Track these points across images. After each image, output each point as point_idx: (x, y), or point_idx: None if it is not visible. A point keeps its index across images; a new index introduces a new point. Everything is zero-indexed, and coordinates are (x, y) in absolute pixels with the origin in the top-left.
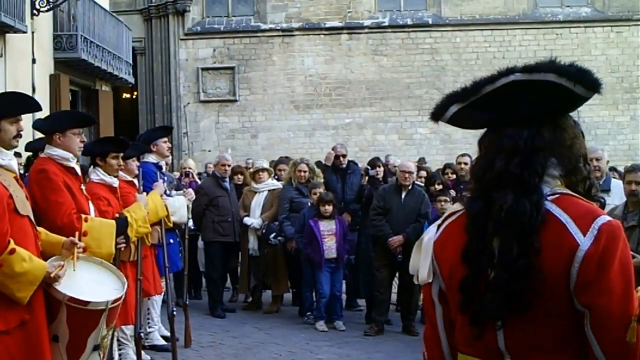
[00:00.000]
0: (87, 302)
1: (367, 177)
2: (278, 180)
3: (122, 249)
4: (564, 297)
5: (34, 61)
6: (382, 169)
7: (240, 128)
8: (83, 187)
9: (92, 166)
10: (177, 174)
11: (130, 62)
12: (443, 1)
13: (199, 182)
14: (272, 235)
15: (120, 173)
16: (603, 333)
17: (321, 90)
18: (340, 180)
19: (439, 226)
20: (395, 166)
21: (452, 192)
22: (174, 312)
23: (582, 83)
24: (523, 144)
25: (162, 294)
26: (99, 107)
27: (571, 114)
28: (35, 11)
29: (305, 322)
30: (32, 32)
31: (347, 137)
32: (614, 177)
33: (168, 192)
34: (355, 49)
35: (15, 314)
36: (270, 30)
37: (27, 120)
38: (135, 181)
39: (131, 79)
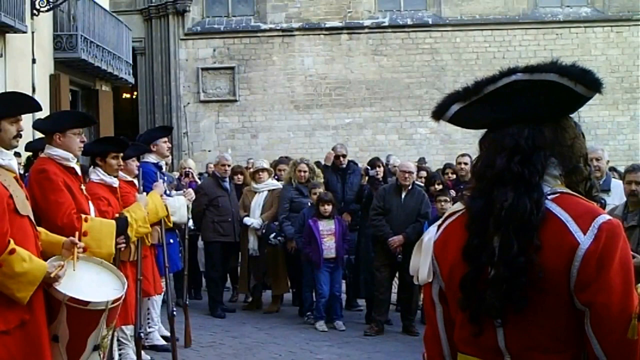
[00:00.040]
0: (87, 302)
1: (367, 177)
2: (278, 180)
3: (122, 249)
4: (564, 296)
5: (34, 61)
6: (382, 169)
7: (240, 128)
8: (83, 187)
9: (92, 166)
10: (176, 174)
11: (130, 62)
12: (443, 1)
13: (199, 182)
14: (272, 235)
15: (120, 173)
16: (603, 331)
17: (321, 90)
18: (340, 180)
19: (439, 226)
20: (395, 166)
21: (452, 192)
22: (174, 312)
23: (584, 82)
24: (524, 142)
25: (162, 294)
26: (99, 107)
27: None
28: (35, 11)
29: (305, 322)
30: (32, 32)
31: (347, 137)
32: (613, 177)
33: (168, 192)
34: (355, 49)
35: (15, 314)
36: (270, 30)
37: (27, 120)
38: (135, 181)
39: (131, 79)
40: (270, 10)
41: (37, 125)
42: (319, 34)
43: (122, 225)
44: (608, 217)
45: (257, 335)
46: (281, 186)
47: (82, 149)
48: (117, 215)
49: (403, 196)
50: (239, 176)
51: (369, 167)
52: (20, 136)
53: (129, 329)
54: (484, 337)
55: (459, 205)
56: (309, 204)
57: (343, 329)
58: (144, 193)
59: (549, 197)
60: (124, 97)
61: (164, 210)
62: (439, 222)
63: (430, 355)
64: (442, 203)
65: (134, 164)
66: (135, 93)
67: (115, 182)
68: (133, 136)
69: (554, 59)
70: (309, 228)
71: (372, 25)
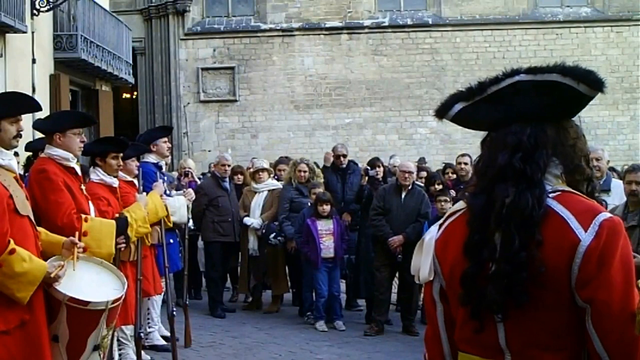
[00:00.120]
0: (87, 302)
1: (366, 177)
2: (278, 180)
3: (122, 249)
4: (565, 293)
5: (34, 61)
6: (381, 169)
7: (240, 128)
8: (83, 187)
9: (92, 166)
10: (175, 174)
11: (130, 62)
12: (443, 1)
13: (199, 182)
14: (272, 235)
15: (120, 173)
16: (604, 328)
17: (321, 90)
18: (340, 180)
19: (440, 225)
20: (395, 166)
21: (452, 192)
22: (174, 312)
23: (586, 82)
24: (526, 140)
25: (162, 294)
26: (99, 107)
27: None
28: (35, 11)
29: (305, 322)
30: (32, 32)
31: (347, 137)
32: (613, 178)
33: (168, 192)
34: (355, 49)
35: (15, 314)
36: (270, 30)
37: (27, 120)
38: (135, 181)
39: (131, 79)
40: (270, 10)
41: (37, 125)
42: (319, 34)
43: (122, 225)
44: (609, 214)
45: (257, 335)
46: (281, 186)
47: (82, 149)
48: (117, 215)
49: (403, 196)
50: (239, 176)
51: (368, 167)
52: (20, 136)
53: (129, 329)
54: (485, 334)
55: (460, 205)
56: (309, 204)
57: (343, 329)
58: (144, 193)
59: (550, 194)
60: (124, 97)
61: (163, 210)
62: (441, 221)
63: (430, 355)
64: (442, 203)
65: (133, 164)
66: (135, 93)
67: (115, 182)
68: (133, 136)
69: (557, 62)
70: (307, 228)
71: (372, 25)
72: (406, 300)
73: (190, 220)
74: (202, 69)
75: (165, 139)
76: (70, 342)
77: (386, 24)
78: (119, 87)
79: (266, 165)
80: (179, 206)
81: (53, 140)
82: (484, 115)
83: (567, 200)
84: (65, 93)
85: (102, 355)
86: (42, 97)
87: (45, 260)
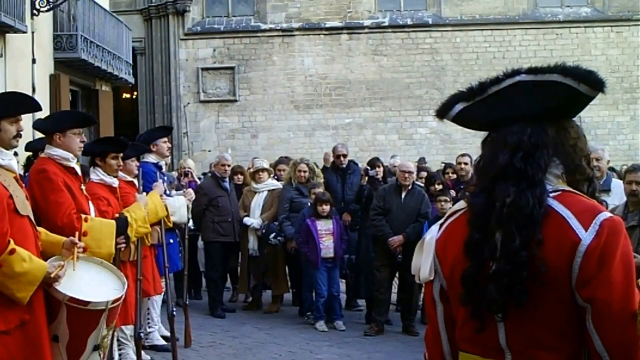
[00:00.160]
0: (87, 302)
1: (366, 177)
2: (278, 180)
3: (122, 249)
4: (565, 292)
5: (34, 61)
6: (381, 169)
7: (240, 128)
8: (83, 187)
9: (92, 166)
10: (175, 174)
11: (130, 62)
12: (443, 1)
13: (198, 182)
14: (272, 235)
15: (120, 173)
16: (605, 328)
17: (321, 90)
18: (340, 180)
19: (441, 225)
20: (395, 166)
21: (452, 192)
22: (174, 312)
23: (587, 82)
24: (527, 139)
25: (162, 294)
26: (99, 107)
27: None
28: (35, 11)
29: (305, 322)
30: (32, 32)
31: (347, 137)
32: (612, 177)
33: (168, 192)
34: (355, 49)
35: (15, 314)
36: (270, 30)
37: (27, 120)
38: (135, 181)
39: (131, 79)
40: (270, 10)
41: (37, 125)
42: (319, 34)
43: (122, 225)
44: (609, 214)
45: (257, 335)
46: (281, 186)
47: (82, 149)
48: (117, 215)
49: (403, 196)
50: (239, 176)
51: (368, 167)
52: (20, 136)
53: (129, 329)
54: (486, 334)
55: (460, 204)
56: (309, 204)
57: (343, 329)
58: (144, 193)
59: (550, 194)
60: (124, 97)
61: (163, 210)
62: (441, 221)
63: (430, 355)
64: (442, 203)
65: (133, 164)
66: (135, 93)
67: (115, 182)
68: (133, 136)
69: (557, 62)
70: (306, 228)
71: (372, 25)
72: (406, 300)
73: (190, 220)
74: (202, 69)
75: (165, 139)
76: (70, 342)
77: (386, 24)
78: (119, 87)
79: (266, 165)
80: (179, 206)
81: (53, 140)
82: (484, 116)
83: (568, 200)
84: (65, 93)
85: (102, 355)
86: (42, 97)
87: (45, 260)
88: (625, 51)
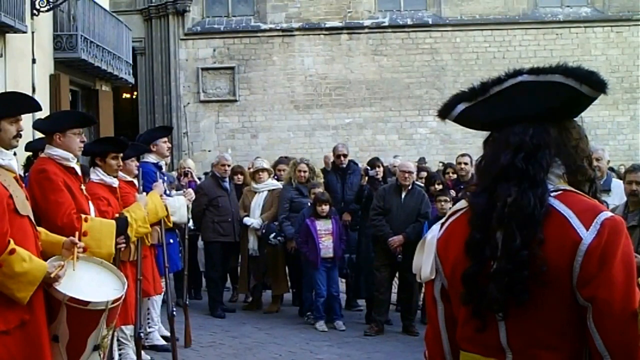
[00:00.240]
0: (87, 302)
1: (366, 177)
2: (278, 180)
3: (122, 249)
4: (566, 292)
5: (34, 61)
6: (381, 169)
7: (240, 128)
8: (83, 187)
9: (92, 166)
10: (175, 174)
11: (130, 62)
12: (443, 1)
13: (198, 182)
14: (272, 235)
15: (120, 173)
16: (605, 327)
17: (321, 90)
18: (340, 180)
19: (442, 224)
20: (395, 166)
21: (452, 192)
22: (174, 312)
23: (589, 83)
24: (529, 140)
25: (162, 294)
26: (99, 107)
27: None
28: (35, 11)
29: (305, 322)
30: (32, 32)
31: (347, 137)
32: (612, 177)
33: (168, 192)
34: (355, 49)
35: (15, 314)
36: (270, 30)
37: (27, 120)
38: (135, 181)
39: (131, 79)
40: (270, 10)
41: (37, 125)
42: (319, 34)
43: (122, 225)
44: (610, 213)
45: (257, 335)
46: (281, 186)
47: (82, 149)
48: (117, 215)
49: (403, 196)
50: (239, 176)
51: (368, 167)
52: (20, 136)
53: (129, 329)
54: (487, 333)
55: (461, 204)
56: (309, 204)
57: (343, 329)
58: (144, 193)
59: (552, 193)
60: (124, 97)
61: (163, 210)
62: (442, 220)
63: (431, 354)
64: (442, 203)
65: (133, 164)
66: (135, 93)
67: (115, 182)
68: (133, 136)
69: (559, 63)
70: (306, 228)
71: (372, 25)
72: (406, 300)
73: (190, 220)
74: (202, 69)
75: (165, 139)
76: (70, 342)
77: (386, 24)
78: (119, 87)
79: (266, 165)
80: (179, 206)
81: (53, 140)
82: (486, 116)
83: (569, 199)
84: (65, 93)
85: (102, 355)
86: (42, 97)
87: (45, 260)
88: (625, 51)
